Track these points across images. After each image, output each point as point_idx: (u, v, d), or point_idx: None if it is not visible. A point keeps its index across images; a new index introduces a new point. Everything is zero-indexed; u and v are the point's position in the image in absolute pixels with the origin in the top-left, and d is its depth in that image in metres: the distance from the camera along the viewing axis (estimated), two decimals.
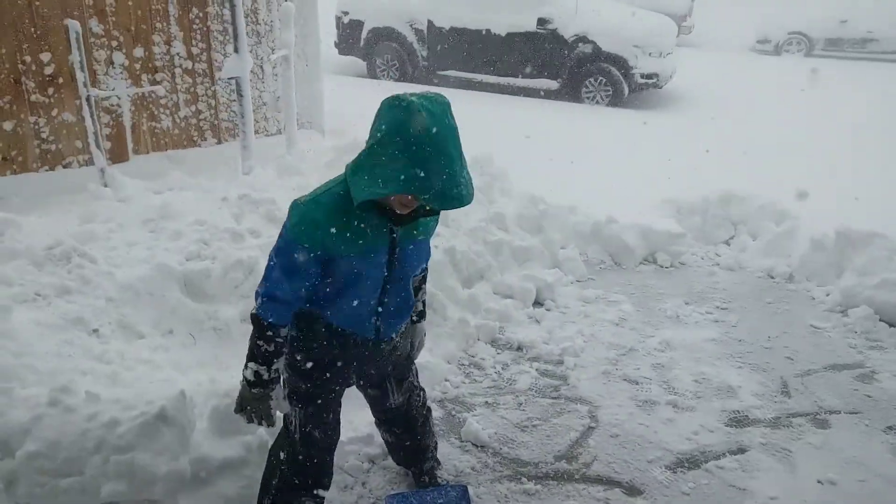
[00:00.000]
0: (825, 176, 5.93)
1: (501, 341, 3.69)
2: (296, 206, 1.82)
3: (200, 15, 6.07)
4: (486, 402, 3.19)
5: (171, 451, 2.06)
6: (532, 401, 3.22)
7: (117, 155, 5.85)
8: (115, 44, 5.66)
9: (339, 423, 2.23)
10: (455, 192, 1.65)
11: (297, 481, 2.13)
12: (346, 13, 11.27)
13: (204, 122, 6.39)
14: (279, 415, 2.06)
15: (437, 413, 3.09)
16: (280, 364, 1.94)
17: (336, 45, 11.45)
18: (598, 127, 8.23)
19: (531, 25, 10.05)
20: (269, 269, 1.86)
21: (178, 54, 6.04)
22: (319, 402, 2.10)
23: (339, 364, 2.05)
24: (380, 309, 1.97)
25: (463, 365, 3.47)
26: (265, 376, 1.90)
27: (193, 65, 6.14)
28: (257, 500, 2.22)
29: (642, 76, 9.83)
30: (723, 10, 17.58)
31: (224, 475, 2.29)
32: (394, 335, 2.10)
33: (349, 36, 11.30)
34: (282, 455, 2.16)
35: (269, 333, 1.86)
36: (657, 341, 3.75)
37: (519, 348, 3.64)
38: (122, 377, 2.43)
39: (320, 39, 6.96)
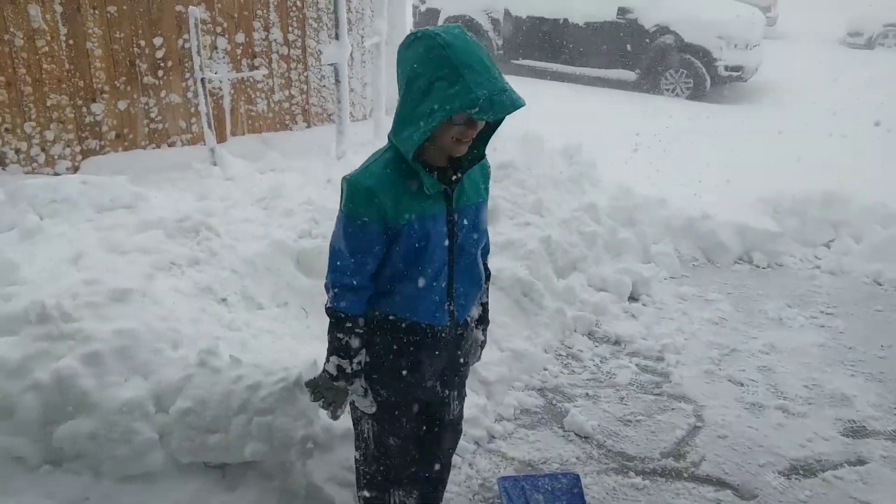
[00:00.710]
0: None
1: (598, 334, 3.70)
2: (346, 180, 1.71)
3: (298, 3, 6.24)
4: (587, 394, 3.21)
5: (307, 416, 2.17)
6: (634, 396, 3.22)
7: (218, 136, 6.06)
8: (219, 30, 5.88)
9: (414, 430, 2.02)
10: (505, 97, 1.55)
11: (380, 478, 2.04)
12: (423, 1, 11.35)
13: (296, 106, 6.57)
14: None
15: (537, 401, 3.13)
16: (363, 357, 1.83)
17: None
18: (680, 119, 8.04)
19: (611, 15, 9.91)
20: (332, 257, 1.76)
21: (275, 40, 6.22)
22: (396, 412, 1.93)
23: (418, 365, 1.87)
24: (449, 288, 1.82)
25: (560, 356, 3.49)
26: (348, 370, 1.80)
27: (289, 51, 6.32)
28: (356, 486, 2.12)
29: (726, 68, 9.57)
30: (811, 1, 16.86)
31: (344, 443, 2.37)
32: (468, 318, 1.95)
33: (426, 24, 11.37)
34: (357, 455, 2.06)
35: (348, 325, 1.77)
36: (761, 343, 3.68)
37: (617, 342, 3.63)
38: (250, 344, 2.56)
39: (407, 28, 7.04)
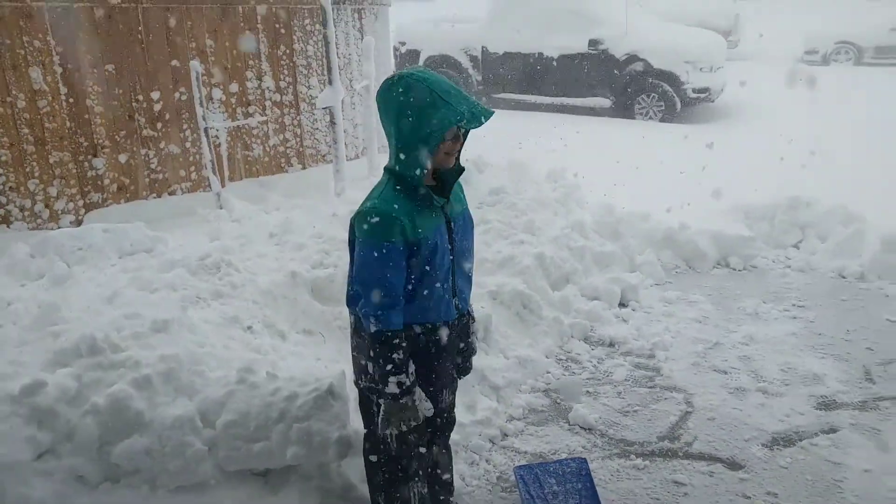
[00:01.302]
0: (887, 179, 6.05)
1: (594, 338, 3.96)
2: (364, 216, 1.91)
3: (287, 51, 6.60)
4: (587, 392, 3.46)
5: (340, 420, 2.39)
6: (630, 390, 3.47)
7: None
8: (214, 81, 6.20)
9: (425, 421, 2.17)
10: (480, 109, 1.91)
11: (400, 475, 2.20)
12: (402, 43, 11.82)
13: (290, 149, 6.87)
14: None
15: (542, 401, 3.37)
16: (412, 367, 2.01)
17: None
18: (654, 141, 8.45)
19: (583, 47, 10.39)
20: (366, 286, 1.92)
21: (267, 88, 6.56)
22: (418, 422, 2.10)
23: (431, 359, 2.12)
24: (453, 285, 2.10)
25: (561, 360, 3.74)
26: (407, 383, 1.97)
27: (281, 97, 6.65)
28: (371, 498, 2.30)
29: (694, 91, 10.05)
30: (768, 23, 17.63)
31: None
32: (468, 308, 2.28)
33: (407, 65, 11.82)
34: (373, 458, 2.22)
35: (396, 341, 1.94)
36: (741, 336, 3.97)
37: (611, 344, 3.90)
38: (278, 366, 2.78)
39: (392, 70, 7.41)
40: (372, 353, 1.97)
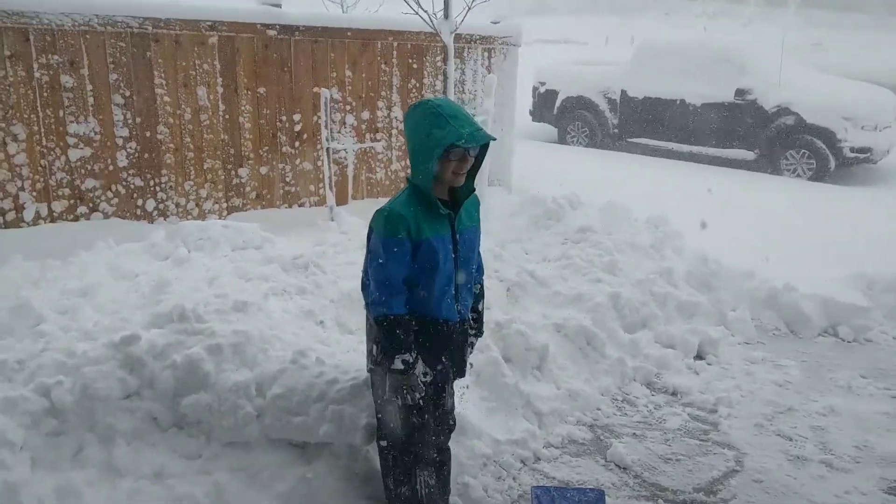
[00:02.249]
0: None
1: (657, 385, 3.99)
2: (379, 214, 2.32)
3: (417, 85, 7.21)
4: (634, 434, 3.52)
5: (370, 408, 2.72)
6: (679, 439, 3.49)
7: (340, 198, 7.03)
8: (348, 108, 6.93)
9: (431, 410, 2.49)
10: (480, 132, 2.25)
11: (406, 460, 2.51)
12: (542, 83, 12.21)
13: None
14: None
15: (585, 435, 3.49)
16: (414, 346, 2.32)
17: (530, 112, 12.38)
18: (792, 198, 8.10)
19: (728, 96, 10.17)
20: (375, 275, 2.29)
21: (395, 118, 7.19)
22: (422, 394, 2.42)
23: (437, 352, 2.43)
24: (454, 291, 2.41)
25: (616, 400, 3.83)
26: (410, 359, 2.31)
27: None
28: (383, 485, 2.59)
29: (852, 150, 9.46)
30: None
31: None
32: (469, 315, 2.57)
33: (544, 104, 12.19)
34: (383, 444, 2.53)
35: (399, 324, 2.28)
36: (821, 406, 3.81)
37: (674, 393, 3.91)
38: (336, 356, 3.18)
39: (515, 108, 7.80)
40: (378, 336, 2.34)
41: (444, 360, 2.47)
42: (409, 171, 2.54)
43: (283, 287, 3.58)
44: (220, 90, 6.24)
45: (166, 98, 6.01)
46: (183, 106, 6.11)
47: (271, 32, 6.31)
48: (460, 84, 7.49)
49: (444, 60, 5.67)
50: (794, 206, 7.69)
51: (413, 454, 2.52)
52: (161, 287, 3.37)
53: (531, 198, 5.52)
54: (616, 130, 11.40)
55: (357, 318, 3.77)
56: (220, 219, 6.36)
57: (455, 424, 2.75)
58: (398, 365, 2.32)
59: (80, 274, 3.64)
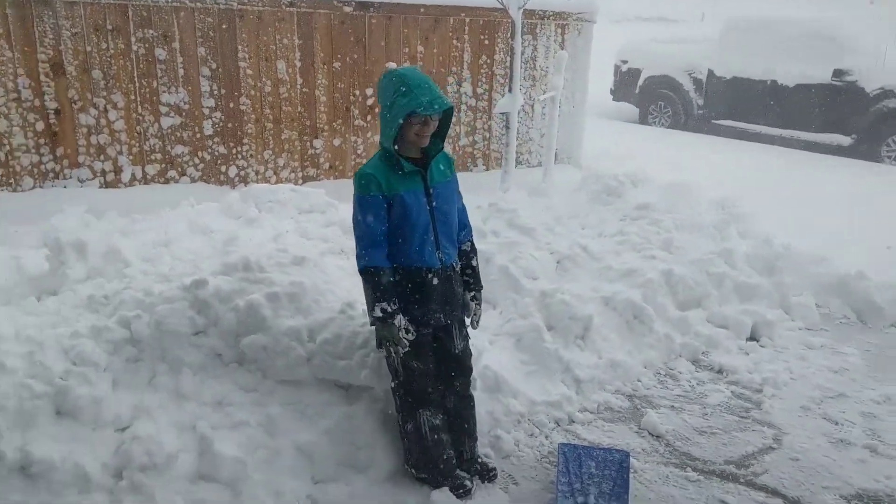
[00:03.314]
0: None
1: (703, 362, 4.06)
2: (355, 176, 2.64)
3: (488, 61, 7.37)
4: (672, 406, 3.63)
5: None
6: (718, 414, 3.57)
7: None
8: None
9: (432, 356, 2.82)
10: (438, 101, 2.52)
11: (410, 400, 2.79)
12: (624, 62, 12.07)
13: (477, 151, 7.64)
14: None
15: (622, 403, 3.62)
16: (396, 297, 2.62)
17: (611, 91, 12.27)
18: (892, 188, 7.76)
19: (825, 77, 9.78)
20: (357, 230, 2.62)
21: (465, 93, 7.39)
22: (405, 348, 2.67)
23: (426, 301, 2.70)
24: (436, 240, 2.69)
25: (659, 373, 3.93)
26: (389, 308, 2.59)
27: (476, 102, 7.44)
28: (395, 410, 2.89)
29: None
30: None
31: None
32: (453, 263, 2.81)
33: (625, 83, 12.06)
34: (393, 384, 2.85)
35: (381, 274, 2.59)
36: (877, 394, 3.77)
37: (720, 371, 3.98)
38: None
39: (588, 85, 7.83)
40: (363, 286, 2.65)
41: (433, 307, 2.73)
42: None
43: (340, 247, 3.89)
44: (298, 64, 6.62)
45: (248, 71, 6.45)
46: (264, 79, 6.53)
47: (347, 9, 6.62)
48: (531, 60, 7.60)
49: (511, 36, 5.81)
50: (889, 195, 7.38)
51: (416, 395, 2.81)
52: (230, 241, 3.75)
53: (593, 174, 5.62)
54: (701, 112, 11.17)
55: None
56: (316, 189, 6.80)
57: (471, 370, 2.99)
58: (377, 313, 2.61)
59: (164, 228, 4.08)
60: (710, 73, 10.91)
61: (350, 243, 3.93)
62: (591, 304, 4.11)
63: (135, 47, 5.99)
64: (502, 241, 4.36)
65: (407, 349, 2.69)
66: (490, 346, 3.68)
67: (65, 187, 6.01)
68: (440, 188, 2.75)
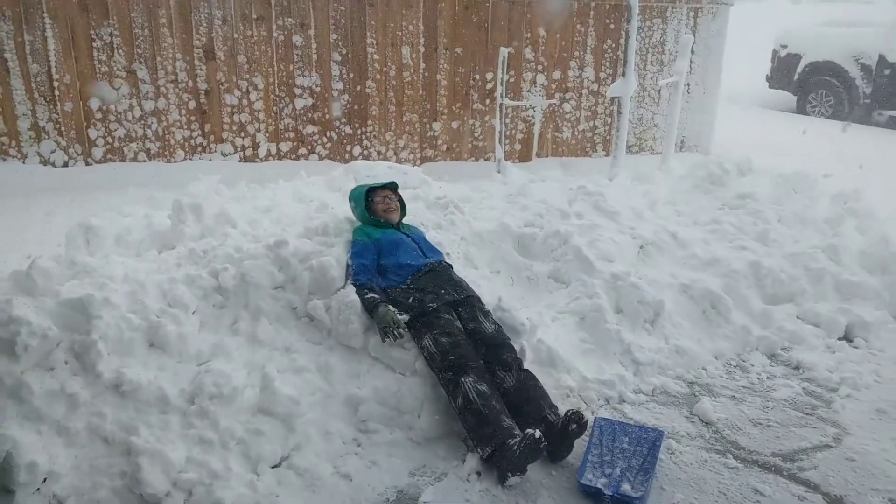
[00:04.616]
0: None
1: (781, 357, 3.93)
2: (353, 229, 3.84)
3: (613, 45, 7.34)
4: (733, 397, 3.58)
5: None
6: (781, 409, 3.48)
7: (524, 155, 7.53)
8: (539, 67, 7.32)
9: (460, 331, 3.28)
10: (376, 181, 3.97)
11: (451, 374, 3.11)
12: (784, 46, 11.31)
13: (597, 136, 7.65)
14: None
15: (680, 389, 3.63)
16: (378, 296, 3.39)
17: (767, 78, 11.56)
18: None
19: None
20: (351, 261, 3.58)
21: (587, 78, 7.43)
22: (429, 318, 3.26)
23: (422, 287, 3.40)
24: (421, 250, 3.65)
25: (729, 364, 3.87)
26: (376, 299, 3.36)
27: (598, 87, 7.45)
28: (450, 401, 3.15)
29: None
30: None
31: None
32: (440, 260, 3.65)
33: (783, 69, 11.31)
34: (436, 371, 3.21)
35: (366, 288, 3.43)
36: None
37: (796, 367, 3.84)
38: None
39: (721, 71, 7.53)
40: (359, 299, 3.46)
41: (430, 289, 3.41)
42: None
43: (420, 220, 4.22)
44: (422, 49, 7.04)
45: (375, 56, 6.97)
46: (389, 63, 7.02)
47: None
48: (660, 44, 7.45)
49: (627, 20, 5.79)
50: None
51: (454, 366, 3.10)
52: (321, 209, 4.21)
53: (699, 161, 5.49)
54: (868, 101, 10.23)
55: (483, 254, 4.29)
56: (413, 167, 7.25)
57: (511, 346, 3.34)
58: (369, 306, 3.36)
59: (271, 196, 4.64)
60: (882, 59, 9.95)
61: (432, 216, 4.27)
62: (667, 290, 4.13)
63: (275, 34, 6.71)
64: (584, 223, 4.46)
65: (403, 328, 3.26)
66: (552, 322, 3.84)
67: (210, 160, 6.89)
68: (415, 234, 3.83)
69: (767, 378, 3.76)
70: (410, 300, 3.40)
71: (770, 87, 11.63)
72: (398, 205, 4.00)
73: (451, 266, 3.73)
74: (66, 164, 6.65)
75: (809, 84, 10.90)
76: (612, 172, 6.06)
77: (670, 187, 5.31)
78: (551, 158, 7.49)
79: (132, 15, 6.36)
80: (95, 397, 2.91)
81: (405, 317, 3.29)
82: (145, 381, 2.97)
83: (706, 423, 3.38)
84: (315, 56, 6.83)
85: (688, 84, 7.53)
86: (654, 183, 5.54)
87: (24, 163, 6.58)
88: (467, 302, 3.48)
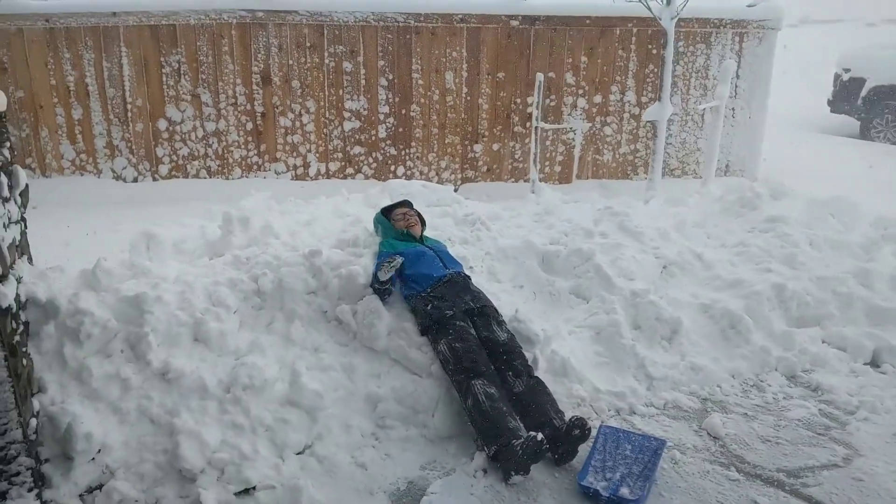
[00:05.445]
0: None
1: (801, 379, 3.98)
2: (380, 244, 4.18)
3: (654, 70, 7.49)
4: (746, 414, 3.67)
5: None
6: (793, 428, 3.55)
7: (564, 177, 7.72)
8: (580, 92, 7.53)
9: (474, 338, 3.51)
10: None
11: (462, 377, 3.34)
12: (846, 70, 11.16)
13: (639, 159, 7.78)
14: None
15: (692, 404, 3.74)
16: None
17: (829, 102, 11.41)
18: None
19: None
20: (376, 262, 3.91)
21: (628, 101, 7.59)
22: (446, 325, 3.52)
23: (440, 295, 3.66)
24: (442, 262, 3.90)
25: (745, 383, 3.95)
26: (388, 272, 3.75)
27: (640, 111, 7.59)
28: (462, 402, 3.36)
29: None
30: None
31: None
32: (459, 271, 3.91)
33: (846, 94, 11.15)
34: (449, 373, 3.45)
35: (378, 280, 3.77)
36: None
37: (815, 389, 3.88)
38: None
39: (768, 96, 7.57)
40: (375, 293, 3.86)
41: (449, 297, 3.67)
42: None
43: (448, 236, 4.48)
44: (465, 75, 7.36)
45: (420, 81, 7.33)
46: (433, 88, 7.36)
47: (514, 22, 7.22)
48: (703, 69, 7.56)
49: (664, 46, 5.96)
50: None
51: (466, 369, 3.34)
52: (355, 223, 4.53)
53: (733, 184, 5.57)
54: None
55: (507, 269, 4.51)
56: (454, 188, 7.54)
57: (523, 354, 3.56)
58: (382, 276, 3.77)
59: (313, 211, 5.00)
60: None
61: (459, 233, 4.53)
62: (687, 309, 4.25)
63: (327, 61, 7.15)
64: (608, 242, 4.63)
65: (398, 262, 3.76)
66: (568, 335, 4.02)
67: (264, 178, 7.35)
68: (438, 247, 4.10)
69: (784, 398, 3.82)
70: (429, 307, 3.66)
71: (832, 111, 11.46)
72: (418, 220, 4.30)
73: (469, 277, 3.96)
74: (135, 180, 7.23)
75: (874, 109, 10.70)
76: (647, 195, 6.19)
77: (702, 210, 5.41)
78: (591, 181, 7.65)
79: (198, 43, 6.91)
80: (145, 382, 3.26)
81: (401, 259, 3.78)
82: (188, 370, 3.31)
83: (714, 437, 3.48)
84: (363, 81, 7.24)
85: (732, 109, 7.59)
86: (684, 205, 5.65)
87: (98, 177, 7.20)
88: (483, 311, 3.71)
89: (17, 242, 2.95)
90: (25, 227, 3.09)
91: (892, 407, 3.70)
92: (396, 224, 4.23)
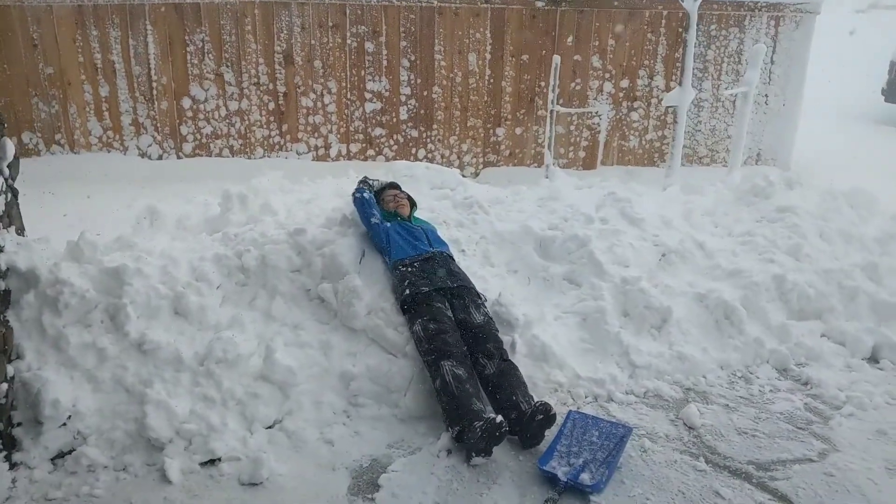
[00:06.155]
0: None
1: (792, 373, 3.92)
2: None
3: None
4: (727, 406, 3.64)
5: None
6: (773, 421, 3.50)
7: (588, 163, 7.68)
8: (607, 76, 7.46)
9: (449, 320, 3.59)
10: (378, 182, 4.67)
11: (433, 357, 3.42)
12: None
13: (666, 146, 7.66)
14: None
15: (674, 394, 3.72)
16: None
17: (883, 91, 10.96)
18: None
19: None
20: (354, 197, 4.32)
21: (657, 87, 7.48)
22: (422, 305, 3.61)
23: (419, 271, 3.76)
24: (427, 240, 4.01)
25: (733, 374, 3.91)
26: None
27: None
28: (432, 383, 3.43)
29: None
30: None
31: None
32: (443, 251, 3.99)
33: None
34: (421, 353, 3.53)
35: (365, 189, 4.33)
36: None
37: (805, 383, 3.82)
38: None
39: (804, 83, 7.33)
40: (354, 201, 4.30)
41: (427, 274, 3.75)
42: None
43: (443, 218, 4.55)
44: (488, 57, 7.37)
45: (443, 63, 7.37)
46: (455, 70, 7.40)
47: (539, 4, 7.19)
48: (736, 54, 7.37)
49: (687, 29, 5.84)
50: None
51: (437, 349, 3.42)
52: (348, 203, 4.65)
53: (749, 173, 5.45)
54: None
55: (503, 254, 4.54)
56: (475, 172, 7.58)
57: (498, 337, 3.63)
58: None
59: (315, 190, 5.13)
60: None
61: (455, 215, 4.59)
62: (681, 297, 4.22)
63: (349, 41, 7.27)
64: (607, 228, 4.61)
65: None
66: (553, 321, 4.05)
67: (286, 158, 7.53)
68: (426, 227, 4.22)
69: (770, 391, 3.77)
70: (406, 282, 3.75)
71: (886, 100, 11.00)
72: (407, 201, 4.40)
73: (451, 258, 4.03)
74: (160, 157, 7.52)
75: None
76: (666, 182, 6.11)
77: (715, 198, 5.32)
78: (617, 167, 7.57)
79: (221, 22, 7.11)
80: (122, 353, 3.45)
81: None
82: (164, 342, 3.48)
83: (689, 427, 3.47)
84: (385, 62, 7.32)
85: (766, 95, 7.39)
86: (700, 194, 5.56)
87: (125, 154, 7.51)
88: (459, 292, 3.77)
89: (3, 213, 3.15)
90: (14, 197, 3.29)
91: (882, 404, 3.62)
92: (387, 205, 4.37)
